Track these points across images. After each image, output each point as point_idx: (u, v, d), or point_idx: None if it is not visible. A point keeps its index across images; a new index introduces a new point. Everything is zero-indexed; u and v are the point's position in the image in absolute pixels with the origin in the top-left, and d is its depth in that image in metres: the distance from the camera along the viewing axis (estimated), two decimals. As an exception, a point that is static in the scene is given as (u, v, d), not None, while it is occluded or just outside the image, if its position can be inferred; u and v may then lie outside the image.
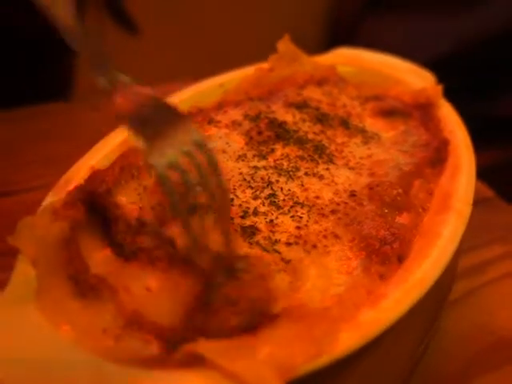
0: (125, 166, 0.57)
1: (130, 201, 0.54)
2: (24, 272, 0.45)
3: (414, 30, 2.18)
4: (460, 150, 0.61)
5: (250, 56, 0.84)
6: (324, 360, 0.39)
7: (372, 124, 0.70)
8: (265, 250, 0.49)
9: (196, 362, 0.38)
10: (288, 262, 0.48)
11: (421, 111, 0.70)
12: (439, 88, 0.71)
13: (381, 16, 2.28)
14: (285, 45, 0.78)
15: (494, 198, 0.87)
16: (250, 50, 1.19)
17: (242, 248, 0.49)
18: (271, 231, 0.52)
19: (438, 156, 0.61)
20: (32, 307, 0.42)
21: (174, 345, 0.41)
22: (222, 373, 0.37)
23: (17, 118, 0.92)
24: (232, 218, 0.52)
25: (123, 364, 0.39)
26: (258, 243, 0.50)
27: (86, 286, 0.45)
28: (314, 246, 0.50)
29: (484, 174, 0.80)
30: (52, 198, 0.52)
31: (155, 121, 0.45)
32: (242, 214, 0.53)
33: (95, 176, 0.54)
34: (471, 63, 2.10)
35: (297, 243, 0.50)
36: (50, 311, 0.42)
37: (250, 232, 0.51)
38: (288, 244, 0.50)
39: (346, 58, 0.81)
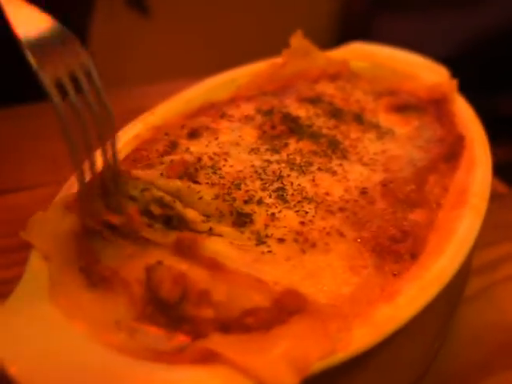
0: (137, 159, 0.57)
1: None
2: (37, 266, 0.45)
3: (425, 27, 2.18)
4: (475, 144, 0.61)
5: (263, 51, 0.83)
6: (339, 357, 0.39)
7: (386, 119, 0.69)
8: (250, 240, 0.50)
9: (210, 357, 0.38)
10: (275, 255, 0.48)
11: (435, 106, 0.69)
12: (454, 83, 0.71)
13: (391, 13, 2.28)
14: (297, 40, 0.78)
15: (508, 194, 0.86)
16: (263, 45, 1.18)
17: (230, 232, 0.49)
18: (266, 225, 0.51)
19: (453, 151, 0.60)
20: (45, 301, 0.42)
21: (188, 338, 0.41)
22: (236, 369, 0.37)
23: (21, 116, 0.92)
24: (234, 200, 0.52)
25: (136, 358, 0.39)
26: (244, 234, 0.50)
27: (97, 278, 0.44)
28: (313, 245, 0.49)
29: (498, 170, 0.79)
30: (65, 193, 0.52)
31: (49, 42, 0.45)
32: (246, 198, 0.53)
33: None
34: (481, 60, 2.09)
35: (296, 240, 0.49)
36: (63, 304, 0.42)
37: (243, 221, 0.51)
38: (281, 240, 0.49)
39: (359, 53, 0.81)
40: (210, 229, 0.50)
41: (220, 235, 0.49)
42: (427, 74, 0.75)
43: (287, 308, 0.41)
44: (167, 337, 0.41)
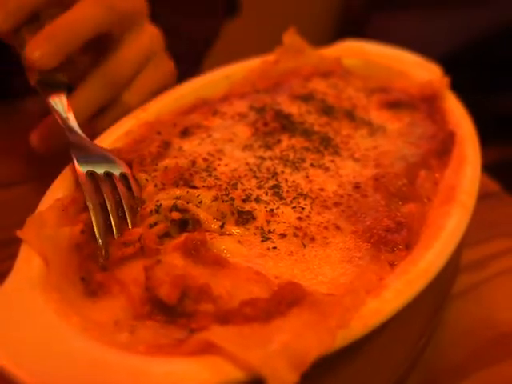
0: (131, 162, 0.57)
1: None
2: (27, 260, 0.45)
3: (422, 26, 2.18)
4: (465, 142, 0.61)
5: (256, 48, 0.83)
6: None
7: (378, 116, 0.70)
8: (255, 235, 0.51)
9: (208, 350, 0.37)
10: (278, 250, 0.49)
11: (427, 103, 0.69)
12: (445, 80, 0.71)
13: (389, 11, 2.28)
14: (290, 37, 0.78)
15: (500, 193, 0.87)
16: (256, 42, 1.18)
17: (235, 232, 0.51)
18: (268, 221, 0.52)
19: (443, 148, 0.61)
20: (36, 295, 0.42)
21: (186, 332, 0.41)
22: (233, 362, 0.36)
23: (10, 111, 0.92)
24: (233, 199, 0.53)
25: (134, 353, 0.38)
26: (250, 230, 0.51)
27: (95, 285, 0.44)
28: (312, 239, 0.50)
29: (491, 168, 0.79)
30: (57, 188, 0.52)
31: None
32: (244, 197, 0.54)
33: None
34: (479, 60, 2.09)
35: (296, 235, 0.50)
36: (61, 308, 0.42)
37: (246, 218, 0.52)
38: (283, 235, 0.50)
39: (352, 51, 0.81)
40: (222, 226, 0.51)
41: (230, 234, 0.50)
42: (419, 71, 0.75)
43: (286, 299, 0.41)
44: (166, 331, 0.41)
